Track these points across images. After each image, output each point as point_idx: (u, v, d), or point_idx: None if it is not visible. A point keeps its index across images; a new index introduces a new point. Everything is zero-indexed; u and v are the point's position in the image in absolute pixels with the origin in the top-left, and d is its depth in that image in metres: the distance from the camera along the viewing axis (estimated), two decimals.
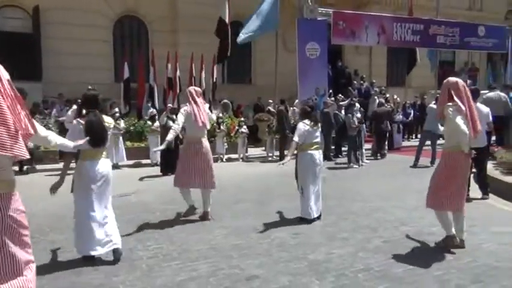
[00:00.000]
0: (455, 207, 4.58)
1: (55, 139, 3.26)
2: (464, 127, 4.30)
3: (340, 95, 14.17)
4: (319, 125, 6.05)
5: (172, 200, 6.71)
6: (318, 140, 5.95)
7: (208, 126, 5.91)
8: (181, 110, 5.84)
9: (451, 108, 4.38)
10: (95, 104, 4.42)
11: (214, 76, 15.10)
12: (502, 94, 10.50)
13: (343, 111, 12.45)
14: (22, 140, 2.29)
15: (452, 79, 4.58)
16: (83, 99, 4.55)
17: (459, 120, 4.32)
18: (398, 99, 16.45)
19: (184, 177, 5.87)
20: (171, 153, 9.77)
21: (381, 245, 4.74)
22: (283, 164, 5.49)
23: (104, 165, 4.37)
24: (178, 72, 14.56)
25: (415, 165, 10.47)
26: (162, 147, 5.86)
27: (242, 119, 13.44)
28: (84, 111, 4.39)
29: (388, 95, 16.15)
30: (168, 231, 5.38)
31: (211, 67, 14.98)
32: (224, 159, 12.10)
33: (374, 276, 3.89)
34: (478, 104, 7.02)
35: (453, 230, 4.59)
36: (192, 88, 6.11)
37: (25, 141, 2.35)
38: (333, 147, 12.56)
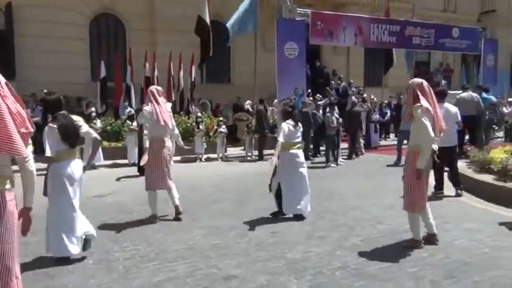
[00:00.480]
0: (424, 206, 4.66)
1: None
2: (431, 132, 4.40)
3: (318, 95, 14.29)
4: (300, 125, 6.12)
5: (144, 200, 6.64)
6: (300, 139, 6.06)
7: (171, 126, 5.88)
8: (143, 113, 5.83)
9: (419, 110, 4.46)
10: (59, 106, 4.42)
11: (193, 75, 15.02)
12: (474, 94, 10.79)
13: (321, 111, 12.54)
14: (24, 139, 2.36)
15: (417, 80, 4.69)
16: (44, 104, 4.53)
17: (427, 123, 4.40)
18: (375, 99, 16.68)
19: (148, 179, 5.85)
20: None
21: (357, 243, 4.80)
22: (272, 164, 5.59)
23: (77, 165, 4.38)
24: (156, 72, 14.43)
25: (396, 164, 10.59)
26: (145, 157, 5.68)
27: (221, 118, 13.40)
28: (50, 116, 4.41)
29: (365, 95, 16.37)
30: (145, 232, 5.33)
31: (189, 66, 14.89)
32: (203, 159, 12.05)
33: (351, 274, 3.94)
34: (447, 104, 7.20)
35: (421, 235, 4.66)
36: (153, 87, 6.12)
37: (26, 140, 2.41)
38: (311, 146, 12.65)
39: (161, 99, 5.83)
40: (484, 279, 3.78)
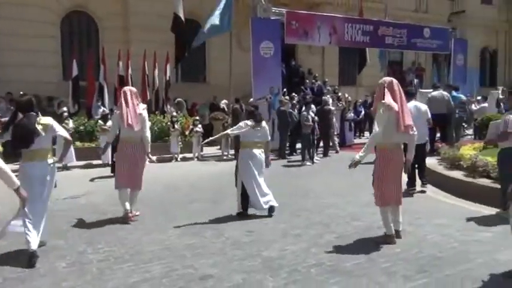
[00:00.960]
0: (396, 201, 4.81)
1: None
2: (378, 128, 4.61)
3: (294, 94, 14.39)
4: (262, 125, 6.12)
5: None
6: (260, 139, 6.07)
7: (137, 128, 5.78)
8: (115, 113, 5.96)
9: (382, 108, 4.63)
10: (31, 108, 4.44)
11: (168, 74, 14.86)
12: (445, 93, 11.07)
13: (296, 110, 12.63)
14: None
15: (387, 78, 4.89)
16: (16, 105, 4.62)
17: (381, 118, 4.61)
18: (349, 97, 16.90)
19: (117, 177, 5.99)
20: None
21: (333, 240, 4.86)
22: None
23: (43, 166, 4.41)
24: (130, 71, 14.22)
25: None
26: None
27: (197, 118, 13.32)
28: (20, 115, 4.42)
29: (340, 94, 16.57)
30: (119, 233, 5.25)
31: (164, 65, 14.74)
32: (179, 159, 11.96)
33: (326, 270, 3.99)
34: (417, 103, 7.39)
35: (393, 229, 4.78)
36: (127, 88, 6.19)
37: None
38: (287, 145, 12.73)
39: (132, 101, 5.83)
40: (455, 272, 3.88)
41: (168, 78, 14.84)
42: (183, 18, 14.39)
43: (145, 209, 6.32)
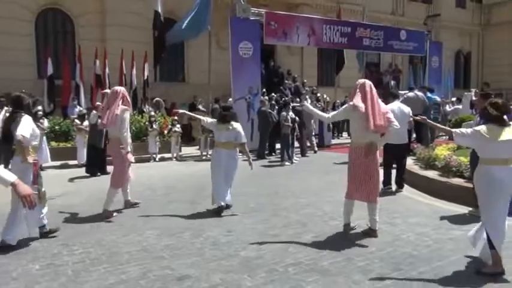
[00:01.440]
0: (363, 197, 4.98)
1: None
2: (318, 115, 5.42)
3: (273, 94, 14.44)
4: (232, 126, 6.17)
5: (100, 202, 6.45)
6: (226, 140, 6.19)
7: (110, 127, 6.06)
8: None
9: (346, 105, 4.99)
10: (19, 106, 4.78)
11: (146, 74, 14.72)
12: (420, 94, 11.30)
13: (275, 110, 12.68)
14: None
15: (361, 80, 5.17)
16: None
17: (338, 111, 5.15)
18: (328, 98, 17.07)
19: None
20: (98, 153, 9.44)
21: (310, 240, 4.90)
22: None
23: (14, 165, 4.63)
24: (107, 70, 14.03)
25: None
26: None
27: (175, 117, 13.21)
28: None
29: (319, 95, 16.72)
30: (96, 234, 5.18)
31: (142, 64, 14.59)
32: (157, 159, 11.85)
33: (303, 269, 4.02)
34: (401, 104, 7.52)
35: (350, 219, 5.13)
36: (117, 88, 6.28)
37: None
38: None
39: (115, 101, 5.96)
40: (429, 270, 3.97)
41: (146, 77, 14.71)
42: (162, 17, 14.32)
43: (123, 210, 6.26)
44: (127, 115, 6.08)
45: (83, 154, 10.53)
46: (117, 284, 3.74)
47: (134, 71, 14.51)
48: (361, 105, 4.79)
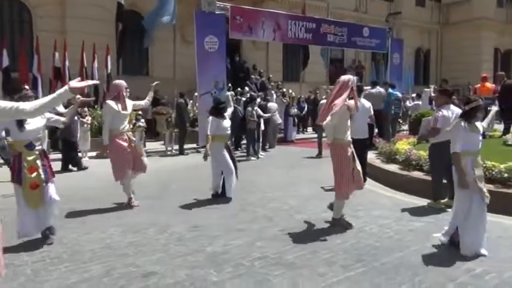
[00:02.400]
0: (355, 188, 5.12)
1: None
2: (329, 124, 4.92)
3: (239, 89, 14.41)
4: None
5: (63, 199, 6.27)
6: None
7: None
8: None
9: (341, 108, 4.87)
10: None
11: (109, 67, 14.35)
12: (382, 90, 11.59)
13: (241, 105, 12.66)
14: None
15: (347, 77, 5.13)
16: None
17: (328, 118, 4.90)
18: (293, 93, 17.21)
19: None
20: (74, 147, 9.22)
21: (276, 234, 4.95)
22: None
23: None
24: (67, 62, 13.58)
25: (318, 157, 11.01)
26: None
27: (140, 112, 12.95)
28: None
29: (284, 90, 16.83)
30: (57, 232, 5.00)
31: (104, 57, 14.21)
32: None
33: (269, 263, 4.06)
34: (362, 99, 7.66)
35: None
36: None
37: None
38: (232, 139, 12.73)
39: None
40: (390, 260, 4.09)
41: (108, 71, 14.34)
42: (123, 8, 13.99)
43: (86, 207, 6.10)
44: (104, 109, 6.19)
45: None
46: (79, 283, 3.64)
47: (96, 64, 14.12)
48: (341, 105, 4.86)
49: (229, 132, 6.79)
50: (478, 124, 4.31)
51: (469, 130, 4.19)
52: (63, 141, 9.16)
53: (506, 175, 5.80)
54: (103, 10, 15.31)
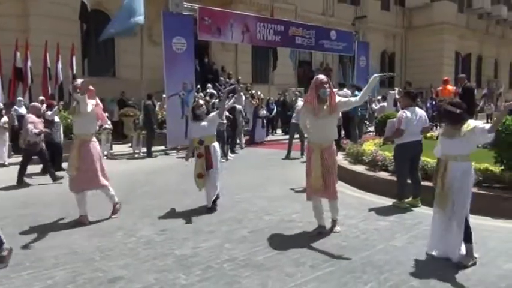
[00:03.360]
0: (328, 195, 4.94)
1: None
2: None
3: (208, 91, 14.33)
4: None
5: (25, 204, 6.08)
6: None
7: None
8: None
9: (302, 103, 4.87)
10: None
11: (74, 68, 13.98)
12: (349, 92, 11.77)
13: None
14: None
15: (321, 76, 5.12)
16: None
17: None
18: (262, 95, 17.29)
19: None
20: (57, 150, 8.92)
21: (245, 235, 4.96)
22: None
23: None
24: (29, 62, 13.16)
25: (287, 157, 11.08)
26: None
27: (106, 114, 12.67)
28: None
29: (253, 92, 16.88)
30: (20, 238, 4.85)
31: (69, 58, 13.84)
32: None
33: (239, 265, 4.06)
34: None
35: (323, 220, 5.03)
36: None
37: None
38: None
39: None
40: (357, 259, 4.18)
41: (74, 71, 13.97)
42: (89, 8, 13.68)
43: (49, 212, 5.92)
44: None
45: (3, 154, 9.84)
46: None
47: (60, 65, 13.73)
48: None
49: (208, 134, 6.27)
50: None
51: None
52: (47, 144, 8.66)
53: None
54: (68, 9, 14.90)
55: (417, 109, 6.14)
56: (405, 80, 27.03)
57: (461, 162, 4.00)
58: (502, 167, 6.04)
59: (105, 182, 5.63)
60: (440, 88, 12.51)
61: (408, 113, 5.95)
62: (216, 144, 6.21)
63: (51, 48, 13.49)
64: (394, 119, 6.26)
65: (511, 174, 5.84)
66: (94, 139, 5.64)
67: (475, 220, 5.34)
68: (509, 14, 35.51)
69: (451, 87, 12.01)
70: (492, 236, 4.80)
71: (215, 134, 6.30)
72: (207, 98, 13.00)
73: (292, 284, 3.64)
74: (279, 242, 4.71)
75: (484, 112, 24.75)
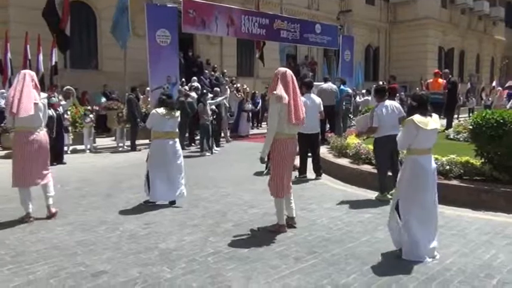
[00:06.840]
0: (288, 190, 4.92)
1: None
2: (274, 121, 4.62)
3: (193, 84, 14.24)
4: (175, 113, 6.06)
5: (7, 199, 5.98)
6: (172, 129, 6.03)
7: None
8: None
9: (273, 99, 4.68)
10: None
11: (54, 60, 13.72)
12: (334, 86, 11.87)
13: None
14: None
15: (282, 69, 4.84)
16: None
17: (273, 110, 4.65)
18: (247, 89, 17.26)
19: None
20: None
21: (230, 229, 4.96)
22: None
23: None
24: (9, 54, 12.88)
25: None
26: None
27: (88, 107, 12.52)
28: None
29: (238, 85, 16.83)
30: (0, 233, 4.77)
31: (50, 50, 13.58)
32: (69, 151, 11.14)
33: (223, 258, 4.06)
34: (312, 95, 7.82)
35: (284, 219, 4.92)
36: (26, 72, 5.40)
37: None
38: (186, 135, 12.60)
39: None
40: (340, 251, 4.22)
41: (54, 63, 13.73)
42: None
43: (32, 206, 5.82)
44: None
45: None
46: (24, 286, 3.48)
47: (41, 57, 13.47)
48: (285, 96, 4.56)
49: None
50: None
51: None
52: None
53: (447, 167, 6.12)
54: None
55: (388, 103, 6.20)
56: (389, 74, 27.32)
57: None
58: (482, 160, 6.15)
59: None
60: (431, 80, 12.57)
61: (378, 110, 6.06)
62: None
63: (32, 40, 13.22)
64: (367, 114, 6.37)
65: (491, 167, 5.95)
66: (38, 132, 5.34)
67: (455, 212, 5.47)
68: (491, 9, 36.08)
69: (441, 80, 12.03)
70: (472, 228, 4.89)
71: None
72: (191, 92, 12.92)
73: (276, 276, 3.66)
74: (264, 235, 4.72)
75: (466, 106, 25.15)
